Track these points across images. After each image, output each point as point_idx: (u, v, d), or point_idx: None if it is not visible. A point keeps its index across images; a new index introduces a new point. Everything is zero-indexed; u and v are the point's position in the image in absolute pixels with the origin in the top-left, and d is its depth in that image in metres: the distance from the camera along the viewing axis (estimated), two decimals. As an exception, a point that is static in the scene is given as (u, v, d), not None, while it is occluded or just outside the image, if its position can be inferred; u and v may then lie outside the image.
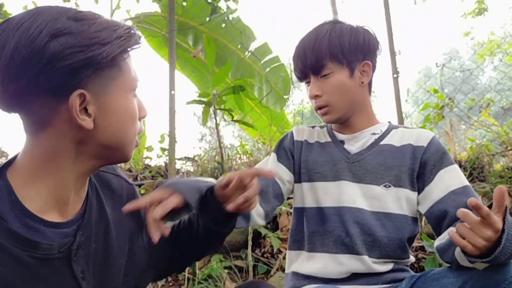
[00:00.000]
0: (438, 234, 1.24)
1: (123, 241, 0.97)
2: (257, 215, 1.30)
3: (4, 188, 0.77)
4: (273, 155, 1.43)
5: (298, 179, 1.38)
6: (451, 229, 1.01)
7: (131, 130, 0.87)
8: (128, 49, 0.83)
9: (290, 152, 1.41)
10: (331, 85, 1.29)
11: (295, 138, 1.43)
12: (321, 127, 1.47)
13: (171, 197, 0.94)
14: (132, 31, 0.84)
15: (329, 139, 1.40)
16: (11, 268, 0.74)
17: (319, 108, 1.33)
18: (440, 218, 1.22)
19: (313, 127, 1.48)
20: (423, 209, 1.29)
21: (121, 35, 0.80)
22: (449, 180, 1.24)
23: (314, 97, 1.32)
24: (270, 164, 1.41)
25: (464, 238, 0.95)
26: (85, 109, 0.78)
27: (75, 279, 0.83)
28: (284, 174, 1.39)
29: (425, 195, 1.27)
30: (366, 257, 1.25)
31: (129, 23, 5.17)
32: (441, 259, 1.20)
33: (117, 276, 0.94)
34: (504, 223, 0.93)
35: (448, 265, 1.17)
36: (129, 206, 0.94)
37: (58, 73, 0.73)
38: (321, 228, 1.29)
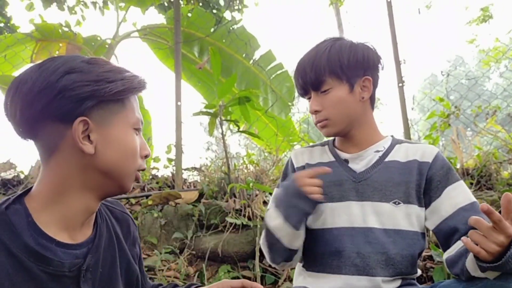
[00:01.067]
0: (446, 249, 1.24)
1: (124, 269, 1.06)
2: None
3: (22, 211, 0.88)
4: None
5: None
6: (464, 238, 1.01)
7: (130, 163, 0.96)
8: (131, 89, 0.94)
9: None
10: (331, 101, 1.30)
11: (295, 166, 1.43)
12: (322, 145, 1.46)
13: None
14: (137, 77, 0.96)
15: (332, 159, 1.39)
16: (24, 280, 0.83)
17: (318, 122, 1.34)
18: (449, 234, 1.22)
19: (312, 146, 1.48)
20: (431, 225, 1.28)
21: (126, 78, 0.93)
22: (457, 197, 1.25)
23: (314, 112, 1.33)
24: None
25: (477, 245, 0.96)
26: (88, 137, 0.89)
27: None
28: None
29: (432, 211, 1.27)
30: (377, 279, 1.24)
31: (136, 35, 5.20)
32: (450, 271, 1.19)
33: None
34: None
35: (457, 277, 1.16)
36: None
37: (66, 102, 0.86)
38: (331, 249, 1.28)
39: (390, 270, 1.24)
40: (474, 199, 1.25)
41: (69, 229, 0.92)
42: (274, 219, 1.26)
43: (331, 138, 1.46)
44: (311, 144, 1.51)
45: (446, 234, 1.23)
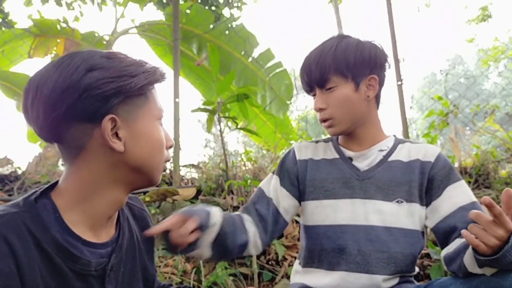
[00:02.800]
0: (445, 246, 1.24)
1: (142, 268, 1.06)
2: (254, 246, 1.30)
3: (50, 205, 0.86)
4: (276, 178, 1.41)
5: (304, 198, 1.37)
6: (464, 231, 1.00)
7: (159, 155, 0.96)
8: (154, 81, 0.93)
9: (293, 174, 1.39)
10: (336, 99, 1.29)
11: (297, 158, 1.41)
12: (326, 141, 1.45)
13: (189, 221, 1.05)
14: (157, 68, 0.95)
15: (336, 156, 1.38)
16: (52, 276, 0.82)
17: (323, 121, 1.33)
18: (448, 233, 1.22)
19: (316, 141, 1.47)
20: (430, 223, 1.28)
21: (148, 70, 0.92)
22: (458, 196, 1.25)
23: (318, 110, 1.32)
24: (273, 188, 1.40)
25: (477, 238, 0.97)
26: (116, 134, 0.88)
27: None
28: (286, 201, 1.38)
29: (432, 210, 1.27)
30: (377, 276, 1.23)
31: (134, 31, 5.20)
32: (448, 268, 1.19)
33: None
34: None
35: (454, 274, 1.16)
36: (152, 230, 1.03)
37: (92, 101, 0.83)
38: (332, 246, 1.28)
39: (392, 269, 1.24)
40: (474, 199, 1.24)
41: (95, 228, 0.91)
42: None
43: (334, 136, 1.44)
44: (314, 139, 1.50)
45: (445, 233, 1.23)
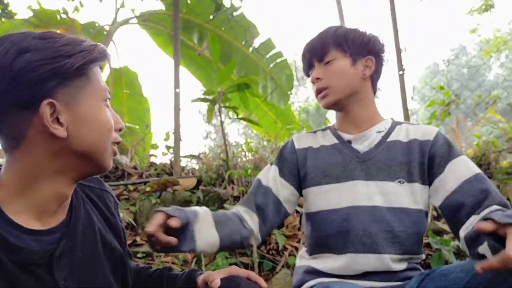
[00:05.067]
0: (455, 224, 1.22)
1: (107, 250, 1.00)
2: (254, 239, 1.31)
3: None
4: (274, 168, 1.41)
5: (306, 185, 1.37)
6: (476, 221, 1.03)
7: (106, 139, 0.90)
8: (93, 60, 0.86)
9: (293, 163, 1.40)
10: (332, 70, 1.34)
11: (296, 147, 1.42)
12: (323, 130, 1.46)
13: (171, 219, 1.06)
14: (96, 45, 0.88)
15: (335, 141, 1.39)
16: None
17: (319, 91, 1.36)
18: (457, 209, 1.21)
19: (314, 132, 1.48)
20: (436, 201, 1.28)
21: (86, 49, 0.85)
22: (460, 170, 1.24)
23: (315, 80, 1.36)
24: (271, 178, 1.40)
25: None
26: (57, 119, 0.82)
27: (57, 286, 0.85)
28: (286, 190, 1.38)
29: (436, 187, 1.27)
30: (385, 256, 1.24)
31: (134, 21, 5.16)
32: (470, 249, 1.14)
33: (105, 284, 0.96)
34: None
35: (456, 262, 1.16)
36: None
37: (26, 85, 0.78)
38: (338, 230, 1.28)
39: (397, 248, 1.25)
40: (478, 170, 1.24)
41: (41, 216, 0.85)
42: None
43: (331, 124, 1.47)
44: (313, 130, 1.51)
45: (453, 210, 1.22)
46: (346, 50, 1.34)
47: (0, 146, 0.85)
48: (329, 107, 1.39)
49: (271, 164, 1.45)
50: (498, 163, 3.11)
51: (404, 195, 1.28)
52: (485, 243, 1.04)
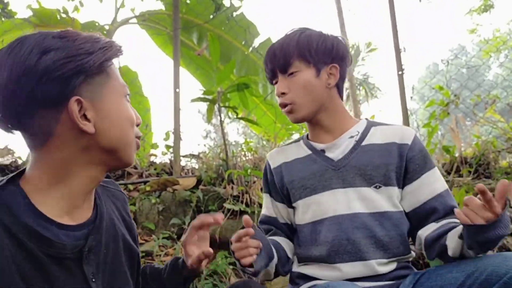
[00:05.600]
0: (416, 226, 1.31)
1: (125, 249, 1.03)
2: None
3: (18, 192, 0.83)
4: (266, 196, 1.46)
5: (292, 201, 1.38)
6: (456, 209, 1.09)
7: (130, 133, 0.93)
8: (112, 56, 0.89)
9: (274, 184, 1.42)
10: (297, 83, 1.32)
11: (272, 167, 1.44)
12: (296, 141, 1.47)
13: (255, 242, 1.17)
14: (113, 42, 0.90)
15: (309, 152, 1.39)
16: (26, 262, 0.79)
17: (284, 106, 1.35)
18: (427, 215, 1.28)
19: (287, 144, 1.48)
20: (406, 207, 1.32)
21: (104, 46, 0.87)
22: (435, 183, 1.30)
23: (280, 94, 1.34)
24: (267, 207, 1.45)
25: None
26: (85, 116, 0.84)
27: (86, 281, 0.88)
28: (285, 211, 1.42)
29: (408, 193, 1.31)
30: (371, 262, 1.24)
31: (134, 21, 5.16)
32: (426, 250, 1.26)
33: (124, 282, 0.99)
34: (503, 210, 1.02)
35: (452, 261, 1.17)
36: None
37: (52, 84, 0.80)
38: (323, 240, 1.28)
39: (382, 252, 1.26)
40: (447, 186, 1.31)
41: (70, 211, 0.88)
42: None
43: (305, 134, 1.48)
44: (285, 143, 1.53)
45: (423, 215, 1.29)
46: (310, 60, 1.31)
47: (26, 144, 0.87)
48: (297, 122, 1.39)
49: (263, 191, 1.49)
50: (497, 163, 3.12)
51: (382, 199, 1.29)
52: (451, 236, 1.15)
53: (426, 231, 1.26)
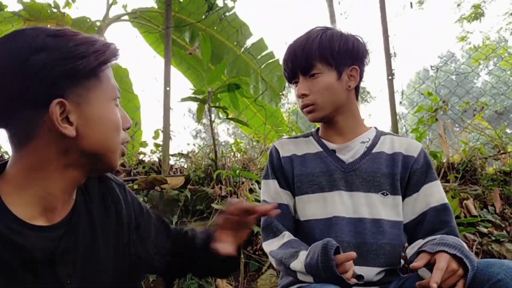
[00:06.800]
0: (411, 239, 1.32)
1: (111, 244, 0.98)
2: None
3: None
4: (273, 182, 1.40)
5: (296, 194, 1.37)
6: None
7: (115, 139, 0.90)
8: (106, 61, 0.87)
9: (283, 171, 1.39)
10: (319, 85, 1.32)
11: (281, 155, 1.42)
12: (305, 136, 1.46)
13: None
14: (109, 45, 0.88)
15: (320, 149, 1.39)
16: None
17: (305, 106, 1.35)
18: (418, 228, 1.29)
19: (296, 137, 1.47)
20: (405, 218, 1.32)
21: (98, 49, 0.84)
22: (432, 195, 1.30)
23: (301, 96, 1.34)
24: (274, 192, 1.39)
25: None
26: (67, 118, 0.82)
27: (60, 283, 0.84)
28: (289, 199, 1.38)
29: (407, 205, 1.32)
30: (370, 268, 1.25)
31: (126, 18, 5.12)
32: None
33: (105, 281, 0.95)
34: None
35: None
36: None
37: (38, 84, 0.78)
38: (321, 239, 1.27)
39: (382, 260, 1.26)
40: (446, 201, 1.30)
41: (46, 212, 0.85)
42: (303, 276, 1.21)
43: (314, 129, 1.49)
44: (293, 135, 1.52)
45: (414, 228, 1.30)
46: (331, 63, 1.31)
47: (9, 141, 0.85)
48: (315, 121, 1.39)
49: (265, 179, 1.43)
50: (484, 170, 3.15)
51: (388, 207, 1.29)
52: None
53: (411, 250, 1.28)
